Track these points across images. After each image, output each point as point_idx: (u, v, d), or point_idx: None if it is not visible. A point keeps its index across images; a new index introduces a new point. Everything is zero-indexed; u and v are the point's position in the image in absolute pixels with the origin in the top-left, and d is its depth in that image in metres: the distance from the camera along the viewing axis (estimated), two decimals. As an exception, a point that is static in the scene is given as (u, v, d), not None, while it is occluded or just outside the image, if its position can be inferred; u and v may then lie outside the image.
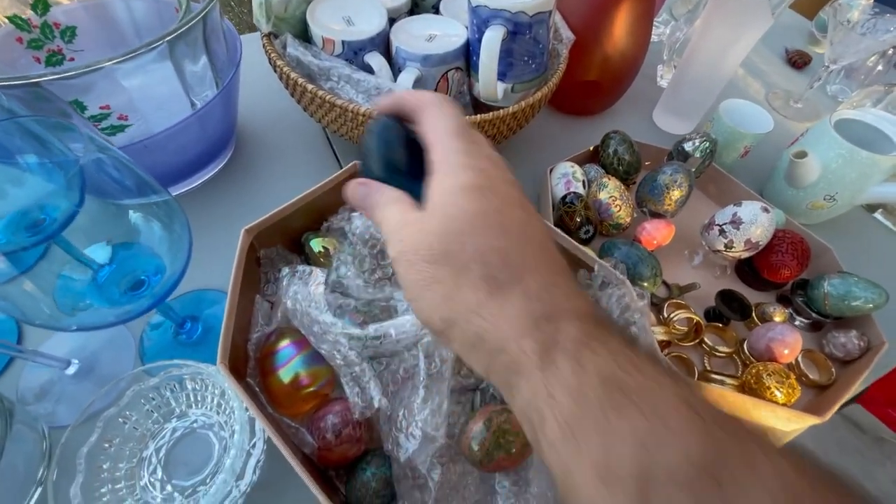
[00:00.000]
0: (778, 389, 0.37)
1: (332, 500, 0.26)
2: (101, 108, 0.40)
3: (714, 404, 0.15)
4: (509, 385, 0.18)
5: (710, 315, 0.44)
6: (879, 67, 0.66)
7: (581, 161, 0.53)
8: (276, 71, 0.45)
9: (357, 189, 0.22)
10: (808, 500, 0.13)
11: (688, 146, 0.49)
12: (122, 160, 0.29)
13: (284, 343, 0.33)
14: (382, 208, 0.21)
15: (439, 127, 0.21)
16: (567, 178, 0.48)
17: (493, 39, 0.41)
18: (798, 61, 0.76)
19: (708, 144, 0.48)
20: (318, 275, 0.32)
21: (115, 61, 0.34)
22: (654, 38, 0.79)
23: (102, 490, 0.31)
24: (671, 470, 0.14)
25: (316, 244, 0.40)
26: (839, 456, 1.22)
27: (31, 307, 0.28)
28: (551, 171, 0.50)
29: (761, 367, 0.38)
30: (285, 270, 0.34)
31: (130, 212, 0.32)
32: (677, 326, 0.42)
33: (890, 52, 0.65)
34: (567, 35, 0.50)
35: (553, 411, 0.16)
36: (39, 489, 0.32)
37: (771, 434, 0.39)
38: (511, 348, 0.17)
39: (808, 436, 1.22)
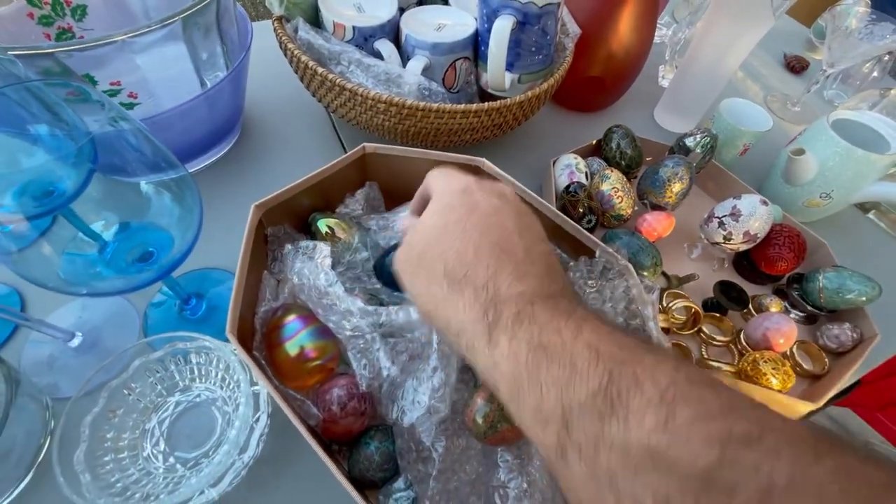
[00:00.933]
0: (774, 376, 0.37)
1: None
2: (111, 83, 0.40)
3: (615, 340, 0.19)
4: (474, 361, 0.22)
5: (708, 306, 0.45)
6: (875, 73, 0.68)
7: (584, 154, 0.53)
8: (286, 54, 0.45)
9: (405, 223, 0.29)
10: (682, 400, 0.16)
11: (689, 141, 0.50)
12: (141, 129, 0.29)
13: (291, 317, 0.33)
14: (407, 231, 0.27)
15: (428, 180, 0.27)
16: (570, 169, 0.49)
17: (503, 29, 0.41)
18: (796, 66, 0.77)
19: (709, 140, 0.49)
20: (323, 248, 0.32)
21: (129, 34, 0.34)
22: (656, 39, 0.80)
23: (105, 458, 0.31)
24: (581, 401, 0.17)
25: (322, 224, 0.40)
26: (828, 460, 1.24)
27: (44, 271, 0.28)
28: (555, 162, 0.51)
29: (758, 355, 0.39)
30: (288, 247, 0.35)
31: (143, 184, 0.32)
32: (676, 315, 0.43)
33: (885, 58, 0.67)
34: (574, 29, 0.51)
35: (500, 376, 0.20)
36: (40, 458, 0.32)
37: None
38: (468, 331, 0.21)
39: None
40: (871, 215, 0.59)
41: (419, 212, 0.28)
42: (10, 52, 0.31)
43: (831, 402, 0.86)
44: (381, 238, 0.40)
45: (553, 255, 0.24)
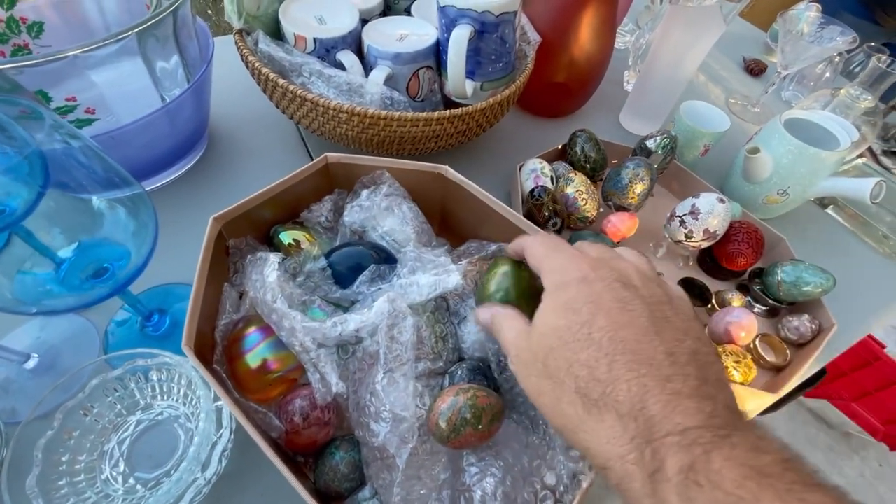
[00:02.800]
0: (735, 369, 0.38)
1: (299, 481, 0.26)
2: (67, 99, 0.40)
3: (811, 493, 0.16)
4: (627, 499, 0.18)
5: (674, 303, 0.46)
6: (827, 74, 0.71)
7: (550, 159, 0.54)
8: (247, 67, 0.45)
9: (482, 313, 0.27)
10: None
11: (650, 143, 0.51)
12: (91, 148, 0.29)
13: (251, 329, 0.33)
14: (500, 324, 0.25)
15: (536, 256, 0.25)
16: (536, 173, 0.50)
17: (460, 38, 0.42)
18: (755, 69, 0.80)
19: (668, 141, 0.50)
20: (272, 259, 0.32)
21: (82, 50, 0.34)
22: (620, 45, 0.82)
23: (60, 483, 0.30)
24: None
25: (286, 236, 0.40)
26: (811, 452, 1.26)
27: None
28: (521, 167, 0.52)
29: (719, 349, 0.39)
30: (248, 258, 0.34)
31: (95, 199, 0.32)
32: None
33: (836, 59, 0.70)
34: (534, 37, 0.52)
35: None
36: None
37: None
38: (615, 467, 0.18)
39: (781, 432, 1.25)
40: (829, 210, 0.61)
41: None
42: (-47, 70, 0.31)
43: (801, 391, 0.88)
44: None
45: (701, 344, 0.21)
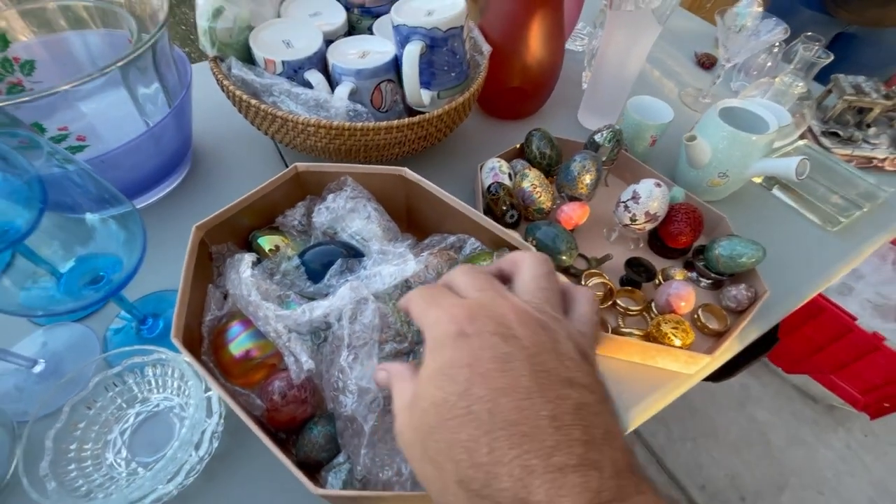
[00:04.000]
0: (675, 336, 0.42)
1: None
2: (59, 129, 0.44)
3: None
4: None
5: (624, 281, 0.50)
6: (769, 64, 0.76)
7: (509, 157, 0.59)
8: (223, 90, 0.50)
9: (379, 375, 0.23)
10: None
11: (597, 137, 0.56)
12: (85, 170, 0.33)
13: (234, 322, 0.37)
14: (393, 387, 0.22)
15: (415, 313, 0.22)
16: (495, 171, 0.54)
17: (412, 52, 0.47)
18: (706, 62, 0.85)
19: (612, 134, 0.55)
20: (246, 259, 0.36)
21: (71, 85, 0.38)
22: (578, 47, 0.87)
23: (70, 468, 0.34)
24: None
25: (265, 241, 0.44)
26: (797, 427, 1.30)
27: (5, 300, 0.32)
28: (481, 167, 0.56)
29: (661, 319, 0.44)
30: (227, 261, 0.39)
31: (89, 216, 0.36)
32: (594, 292, 0.47)
33: (775, 49, 0.75)
34: (486, 47, 0.57)
35: None
36: (7, 479, 0.35)
37: (677, 380, 0.44)
38: None
39: (767, 409, 1.28)
40: (775, 190, 0.65)
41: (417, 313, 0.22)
42: (-41, 109, 0.35)
43: (757, 356, 0.92)
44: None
45: (587, 392, 0.19)
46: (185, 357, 0.32)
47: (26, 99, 0.37)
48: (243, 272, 0.35)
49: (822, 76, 0.74)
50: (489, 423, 0.17)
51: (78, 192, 0.35)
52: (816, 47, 0.64)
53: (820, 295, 1.07)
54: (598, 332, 0.23)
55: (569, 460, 0.16)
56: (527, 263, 0.23)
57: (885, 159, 0.68)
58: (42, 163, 0.34)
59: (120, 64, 0.41)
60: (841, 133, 0.69)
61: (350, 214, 0.44)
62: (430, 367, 0.19)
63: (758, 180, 0.66)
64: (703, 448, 1.23)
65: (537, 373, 0.18)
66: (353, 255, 0.42)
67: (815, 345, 1.17)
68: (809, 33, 0.73)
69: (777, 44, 0.75)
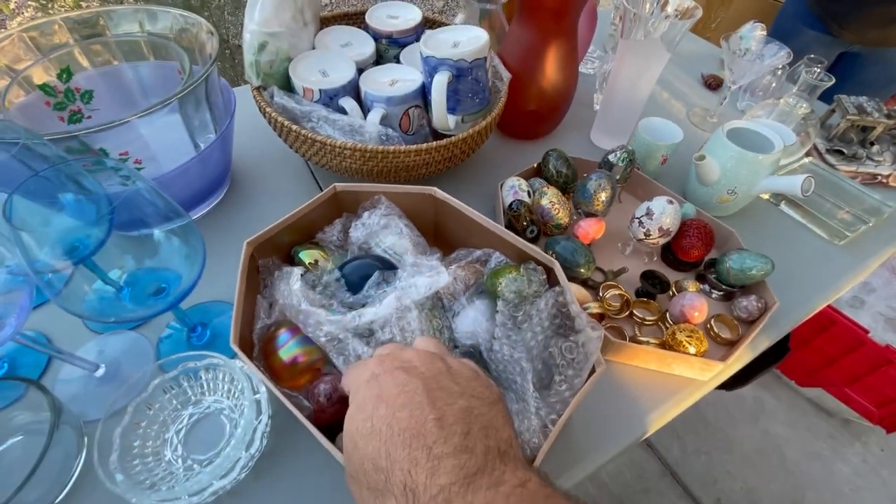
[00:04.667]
0: (690, 344, 0.45)
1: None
2: (120, 154, 0.48)
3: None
4: None
5: (640, 293, 0.53)
6: (774, 84, 0.79)
7: (527, 176, 0.62)
8: (265, 116, 0.54)
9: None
10: None
11: (611, 157, 0.59)
12: (153, 187, 0.37)
13: (282, 330, 0.40)
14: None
15: (344, 384, 0.28)
16: (514, 189, 0.58)
17: (440, 82, 0.51)
18: (712, 83, 0.89)
19: (626, 155, 0.58)
20: (296, 272, 0.40)
21: (138, 115, 0.43)
22: (590, 70, 0.91)
23: (134, 462, 0.37)
24: None
25: (305, 256, 0.47)
26: (813, 442, 1.29)
27: (80, 305, 0.35)
28: (502, 185, 0.60)
29: (676, 328, 0.46)
30: (276, 273, 0.42)
31: (156, 231, 0.39)
32: (611, 303, 0.50)
33: (779, 71, 0.78)
34: (505, 74, 0.61)
35: None
36: (77, 472, 0.38)
37: (691, 387, 0.47)
38: None
39: (782, 423, 1.29)
40: (782, 206, 0.68)
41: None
42: (45, 137, 0.39)
43: (768, 366, 0.93)
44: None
45: (475, 400, 0.24)
46: (242, 361, 0.35)
47: (101, 128, 0.41)
48: (293, 284, 0.39)
49: (827, 94, 0.77)
50: (387, 433, 0.22)
51: (148, 207, 0.38)
52: (818, 70, 0.68)
53: (831, 307, 1.09)
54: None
55: (446, 449, 0.21)
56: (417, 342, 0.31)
57: (889, 175, 0.71)
58: (109, 183, 0.38)
59: (179, 95, 0.45)
60: (845, 151, 0.72)
61: (383, 231, 0.47)
62: (350, 411, 0.25)
63: (765, 196, 0.69)
64: (717, 462, 1.23)
65: (431, 390, 0.24)
66: (388, 267, 0.45)
67: (828, 357, 1.18)
68: (812, 56, 0.77)
69: (781, 66, 0.78)
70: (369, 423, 0.23)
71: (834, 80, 0.68)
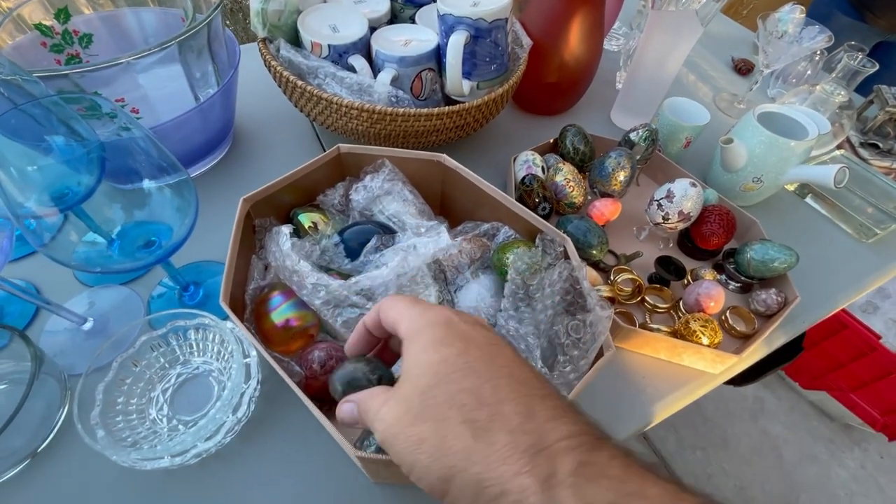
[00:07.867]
0: (703, 334, 0.43)
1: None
2: (116, 100, 0.46)
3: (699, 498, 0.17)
4: None
5: (653, 279, 0.50)
6: (808, 71, 0.75)
7: (542, 151, 0.59)
8: (270, 70, 0.51)
9: (344, 407, 0.24)
10: None
11: (633, 136, 0.56)
12: (148, 135, 0.35)
13: (275, 293, 0.38)
14: (366, 407, 0.22)
15: (396, 310, 0.24)
16: (528, 164, 0.55)
17: (457, 42, 0.48)
18: (743, 68, 0.84)
19: (648, 133, 0.55)
20: (284, 231, 0.38)
21: (133, 57, 0.40)
22: (614, 48, 0.87)
23: (117, 419, 0.36)
24: None
25: (305, 218, 0.45)
26: (811, 443, 1.28)
27: (68, 255, 0.33)
28: (515, 159, 0.57)
29: (690, 317, 0.44)
30: (267, 234, 0.40)
31: (146, 182, 0.37)
32: (622, 287, 0.48)
33: (816, 57, 0.74)
34: (526, 41, 0.57)
35: None
36: (59, 424, 0.37)
37: (701, 379, 0.45)
38: (511, 488, 0.17)
39: (781, 423, 1.27)
40: (808, 199, 0.65)
41: (364, 348, 0.26)
42: (34, 74, 0.37)
43: (778, 365, 0.91)
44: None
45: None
46: (232, 321, 0.34)
47: (94, 67, 0.39)
48: (283, 244, 0.37)
49: (861, 88, 0.73)
50: (489, 373, 0.20)
51: (142, 157, 0.36)
52: (861, 56, 0.63)
53: (843, 311, 1.06)
54: None
55: (561, 404, 0.20)
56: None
57: (924, 174, 0.67)
58: (104, 129, 0.36)
59: (178, 39, 0.42)
60: (881, 145, 0.68)
61: (386, 196, 0.45)
62: (420, 345, 0.22)
63: (790, 188, 0.65)
64: (712, 458, 1.22)
65: (518, 353, 0.22)
66: (388, 234, 0.43)
67: (836, 361, 1.15)
68: (853, 42, 0.72)
69: (818, 52, 0.74)
70: (463, 359, 0.21)
71: (878, 67, 0.64)
